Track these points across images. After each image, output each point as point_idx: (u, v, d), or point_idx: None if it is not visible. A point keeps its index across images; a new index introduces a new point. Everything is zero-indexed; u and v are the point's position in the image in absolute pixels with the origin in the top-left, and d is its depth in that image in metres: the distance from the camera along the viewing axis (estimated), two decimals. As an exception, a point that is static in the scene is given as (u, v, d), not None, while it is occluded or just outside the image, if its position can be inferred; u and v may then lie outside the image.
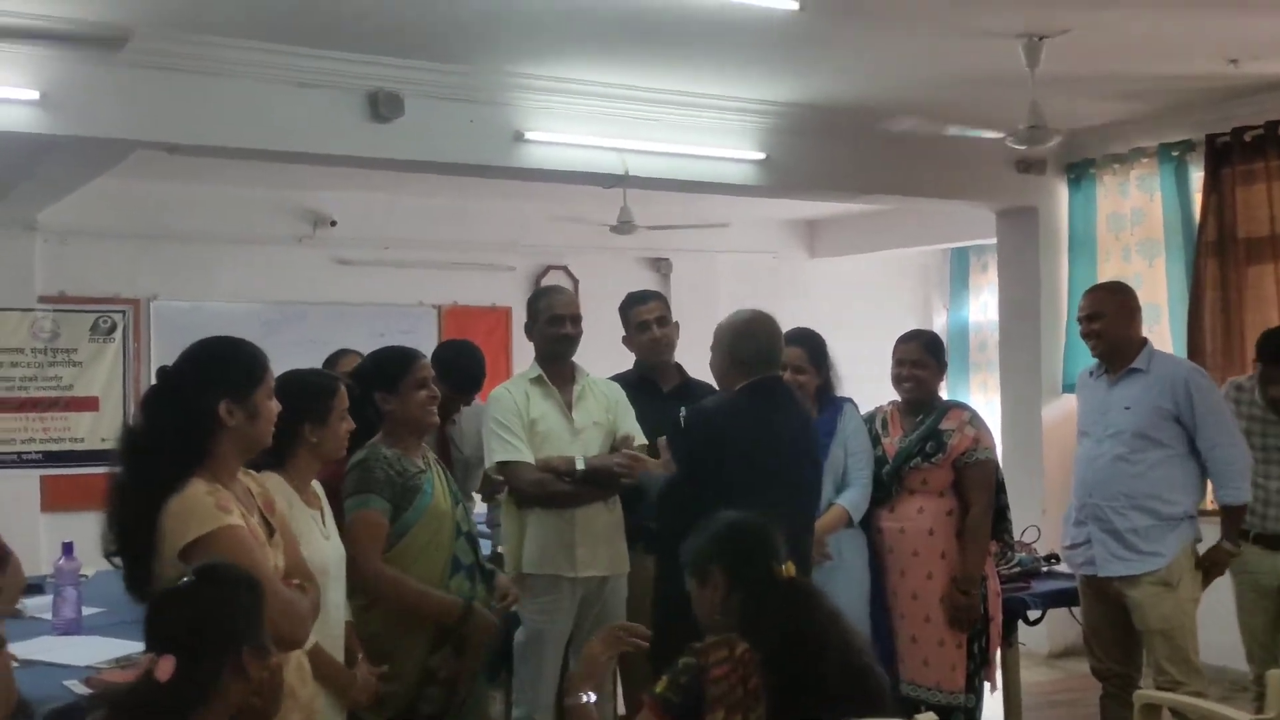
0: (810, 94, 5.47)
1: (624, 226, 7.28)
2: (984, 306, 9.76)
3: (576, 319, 4.00)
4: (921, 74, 5.13)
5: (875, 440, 4.15)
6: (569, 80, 5.11)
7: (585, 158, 5.30)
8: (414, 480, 3.24)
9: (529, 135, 5.11)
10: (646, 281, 9.08)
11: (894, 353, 4.23)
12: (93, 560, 3.91)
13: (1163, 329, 6.05)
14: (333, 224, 7.84)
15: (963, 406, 4.23)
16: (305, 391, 2.93)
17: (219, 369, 2.55)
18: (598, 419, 3.98)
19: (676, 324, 4.33)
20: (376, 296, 8.04)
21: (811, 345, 4.18)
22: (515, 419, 3.85)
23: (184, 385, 2.54)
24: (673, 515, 3.52)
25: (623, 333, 4.33)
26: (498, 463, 3.84)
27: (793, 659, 2.29)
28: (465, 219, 8.26)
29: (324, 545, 2.93)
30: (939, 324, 10.07)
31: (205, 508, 2.43)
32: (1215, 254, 5.83)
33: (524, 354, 8.10)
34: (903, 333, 4.35)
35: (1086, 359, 6.39)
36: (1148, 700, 3.37)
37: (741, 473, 3.29)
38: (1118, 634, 4.19)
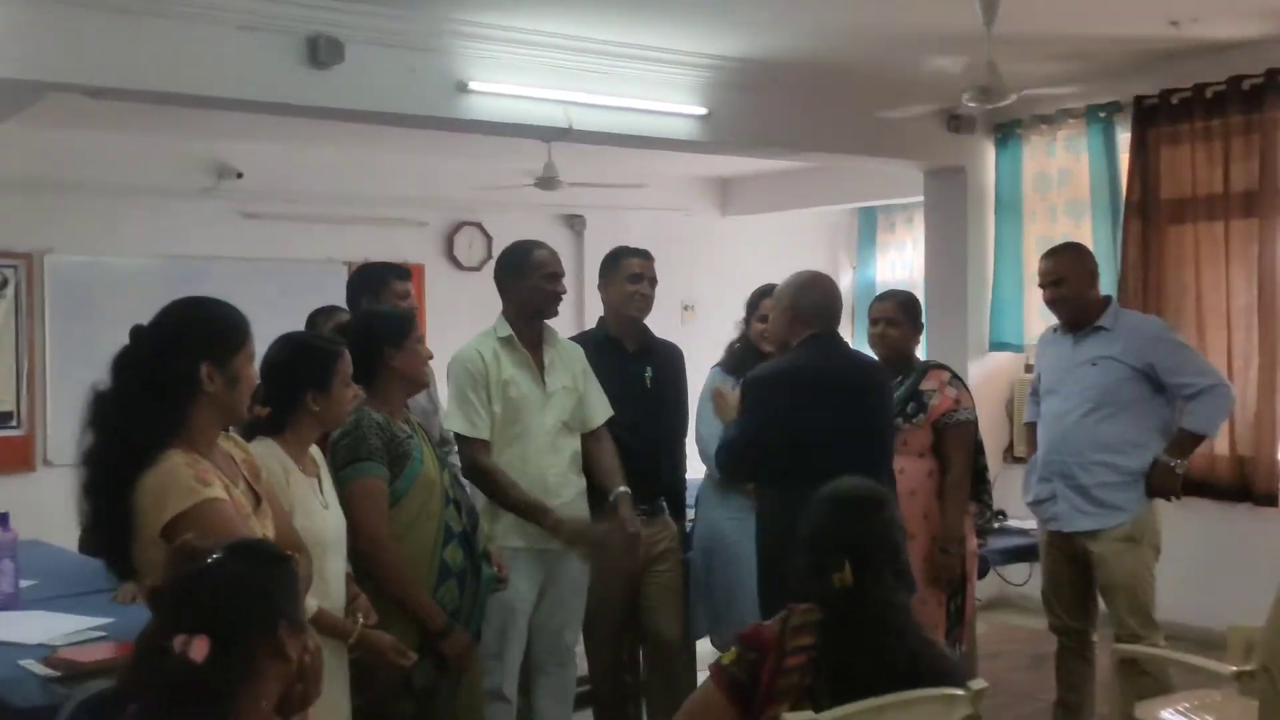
0: (754, 48, 5.39)
1: (548, 182, 7.14)
2: (891, 265, 9.87)
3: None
4: (868, 29, 5.09)
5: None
6: (513, 29, 4.94)
7: (528, 110, 5.13)
8: (404, 446, 3.10)
9: (472, 86, 4.93)
10: (561, 239, 8.96)
11: (870, 311, 4.21)
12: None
13: (1088, 288, 6.17)
14: (239, 176, 7.50)
15: (942, 367, 4.22)
16: (308, 357, 2.78)
17: (201, 329, 2.39)
18: (567, 384, 3.85)
19: None
20: (284, 252, 7.73)
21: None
22: (480, 389, 3.66)
23: (163, 346, 2.36)
24: (735, 475, 3.70)
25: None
26: (453, 433, 3.71)
27: (844, 662, 2.19)
28: (375, 172, 7.99)
29: (322, 515, 2.79)
30: (846, 283, 10.16)
31: (184, 481, 2.27)
32: (1139, 215, 5.96)
33: (436, 313, 7.99)
34: (880, 292, 4.35)
35: (1015, 318, 6.60)
36: (1125, 654, 3.43)
37: (807, 430, 3.36)
38: (1077, 591, 4.27)
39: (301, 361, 2.78)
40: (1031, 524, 4.59)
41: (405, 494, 3.08)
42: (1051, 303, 4.35)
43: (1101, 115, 6.09)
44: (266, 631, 1.93)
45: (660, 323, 4.35)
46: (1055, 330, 4.45)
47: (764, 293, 4.20)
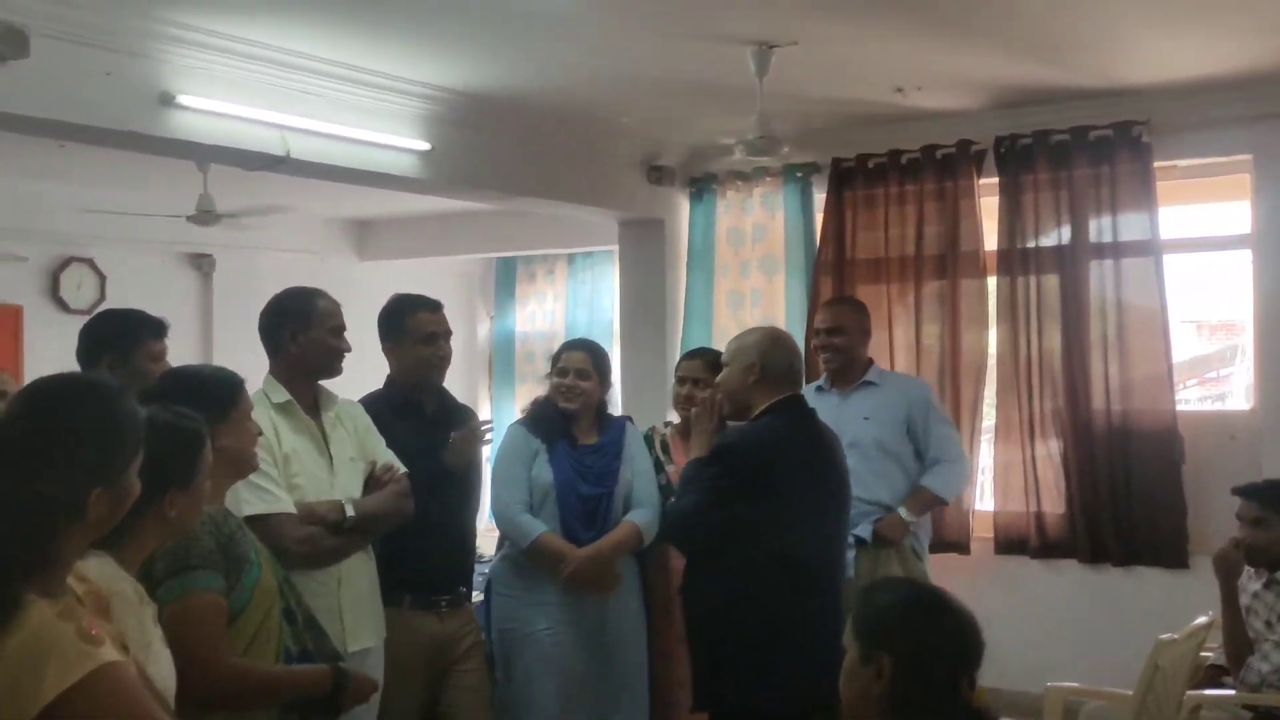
0: (478, 81, 4.96)
1: (205, 216, 6.29)
2: (531, 316, 9.69)
3: None
4: (587, 71, 4.85)
5: (658, 467, 3.82)
6: (226, 35, 4.21)
7: (244, 132, 4.40)
8: (240, 546, 2.40)
9: (180, 99, 4.14)
10: (186, 280, 8.02)
11: (679, 370, 3.98)
12: None
13: (781, 344, 6.24)
14: None
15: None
16: (174, 443, 2.06)
17: (98, 440, 1.69)
18: (353, 453, 3.30)
19: None
20: None
21: (595, 352, 3.80)
22: (267, 457, 3.04)
23: (34, 459, 1.64)
24: (691, 542, 3.37)
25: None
26: (247, 517, 2.99)
27: None
28: (-37, 196, 6.70)
29: (165, 657, 2.06)
30: (483, 332, 9.85)
31: (66, 642, 1.58)
32: (832, 273, 6.11)
33: (38, 364, 6.75)
34: (688, 350, 4.16)
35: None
36: None
37: (799, 493, 3.19)
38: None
39: (165, 450, 2.00)
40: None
41: (245, 608, 2.38)
42: (824, 349, 4.42)
43: (799, 175, 6.20)
44: None
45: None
46: (819, 389, 4.45)
47: (566, 346, 3.89)
